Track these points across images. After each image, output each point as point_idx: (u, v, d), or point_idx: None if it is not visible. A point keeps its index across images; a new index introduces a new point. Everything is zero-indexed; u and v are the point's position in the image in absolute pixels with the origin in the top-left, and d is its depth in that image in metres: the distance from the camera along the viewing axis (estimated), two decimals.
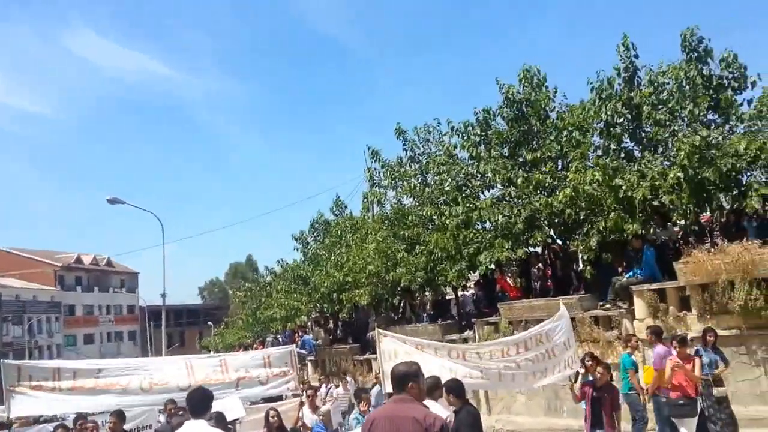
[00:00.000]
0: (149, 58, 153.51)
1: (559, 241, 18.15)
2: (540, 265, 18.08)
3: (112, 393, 10.49)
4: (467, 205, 18.20)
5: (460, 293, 21.29)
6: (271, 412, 10.96)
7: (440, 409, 7.87)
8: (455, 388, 8.27)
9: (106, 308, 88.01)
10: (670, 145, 15.56)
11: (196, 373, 10.89)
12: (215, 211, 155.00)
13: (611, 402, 10.28)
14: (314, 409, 12.51)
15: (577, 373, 11.36)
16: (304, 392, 12.73)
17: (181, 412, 9.90)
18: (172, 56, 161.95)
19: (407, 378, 5.14)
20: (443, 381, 8.69)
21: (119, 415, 10.41)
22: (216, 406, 10.26)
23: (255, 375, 11.36)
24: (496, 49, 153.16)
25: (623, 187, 14.69)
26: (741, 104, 15.64)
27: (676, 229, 16.07)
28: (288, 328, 28.83)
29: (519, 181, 17.08)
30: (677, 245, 14.92)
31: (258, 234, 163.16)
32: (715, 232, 15.17)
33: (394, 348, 9.94)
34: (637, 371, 12.21)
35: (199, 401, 6.56)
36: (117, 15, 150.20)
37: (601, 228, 15.12)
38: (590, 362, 11.15)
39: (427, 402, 7.78)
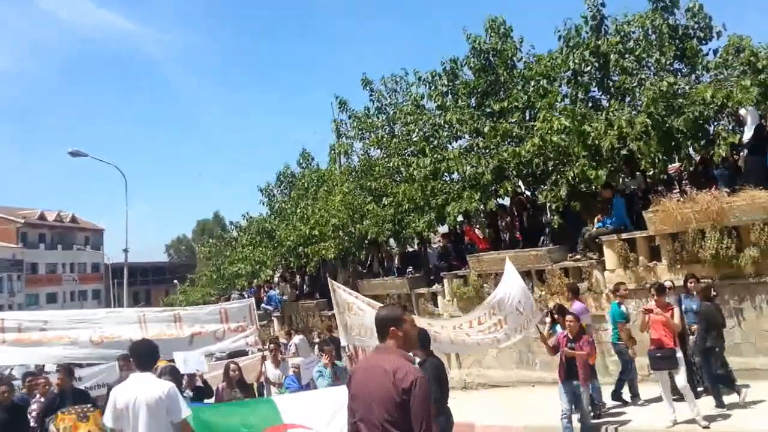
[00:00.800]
0: (115, 13, 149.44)
1: (527, 192, 18.01)
2: (508, 217, 17.95)
3: (60, 346, 9.96)
4: (435, 155, 17.92)
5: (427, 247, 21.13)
6: (232, 366, 10.72)
7: None
8: (420, 338, 8.01)
9: (70, 266, 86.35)
10: (637, 93, 15.40)
11: (149, 328, 10.45)
12: (182, 167, 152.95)
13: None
14: (277, 363, 12.22)
15: (545, 324, 11.26)
16: (267, 347, 12.44)
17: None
18: (138, 11, 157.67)
19: (386, 322, 4.54)
20: None
21: (67, 371, 10.13)
22: (177, 359, 9.97)
23: (210, 330, 10.91)
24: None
25: (592, 134, 14.50)
26: (707, 54, 15.62)
27: (647, 180, 15.96)
28: (254, 284, 28.48)
29: (486, 130, 16.79)
30: (647, 195, 14.83)
31: (225, 191, 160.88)
32: (683, 181, 15.10)
33: (347, 301, 9.73)
34: (627, 321, 12.03)
35: (145, 354, 6.34)
36: None
37: (570, 177, 14.94)
38: (558, 316, 11.01)
39: None
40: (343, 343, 9.87)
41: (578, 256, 15.22)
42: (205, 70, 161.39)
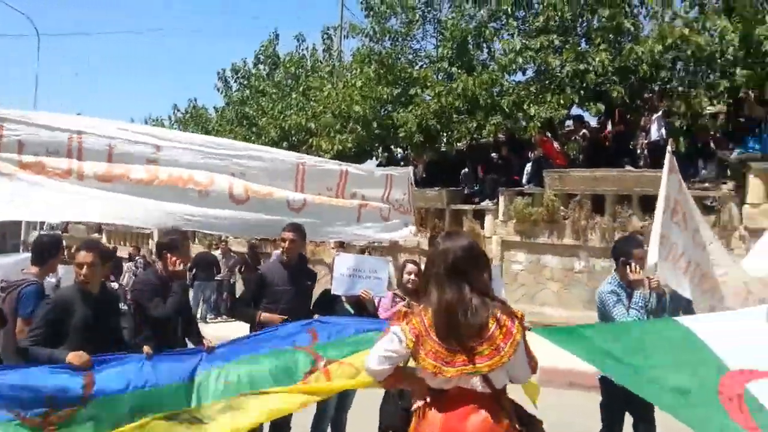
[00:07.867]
0: None
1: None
2: (585, 131, 15.11)
3: (185, 197, 5.48)
4: (522, 41, 14.58)
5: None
6: (410, 267, 6.35)
7: None
8: None
9: None
10: None
11: (307, 184, 6.31)
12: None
13: None
14: None
15: None
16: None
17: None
18: None
19: None
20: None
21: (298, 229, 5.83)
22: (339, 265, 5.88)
23: (376, 205, 6.93)
24: None
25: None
26: None
27: None
28: None
29: (606, 16, 13.63)
30: None
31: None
32: None
33: (676, 198, 5.85)
34: None
35: None
36: None
37: (723, 87, 12.21)
38: None
39: None
40: (651, 260, 5.01)
41: (707, 184, 12.50)
42: None
